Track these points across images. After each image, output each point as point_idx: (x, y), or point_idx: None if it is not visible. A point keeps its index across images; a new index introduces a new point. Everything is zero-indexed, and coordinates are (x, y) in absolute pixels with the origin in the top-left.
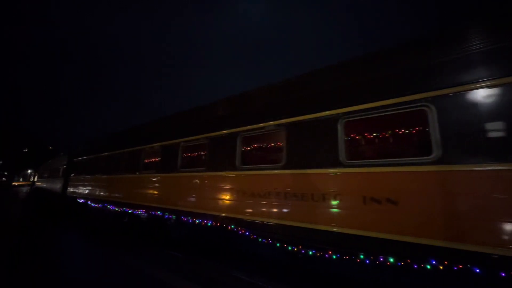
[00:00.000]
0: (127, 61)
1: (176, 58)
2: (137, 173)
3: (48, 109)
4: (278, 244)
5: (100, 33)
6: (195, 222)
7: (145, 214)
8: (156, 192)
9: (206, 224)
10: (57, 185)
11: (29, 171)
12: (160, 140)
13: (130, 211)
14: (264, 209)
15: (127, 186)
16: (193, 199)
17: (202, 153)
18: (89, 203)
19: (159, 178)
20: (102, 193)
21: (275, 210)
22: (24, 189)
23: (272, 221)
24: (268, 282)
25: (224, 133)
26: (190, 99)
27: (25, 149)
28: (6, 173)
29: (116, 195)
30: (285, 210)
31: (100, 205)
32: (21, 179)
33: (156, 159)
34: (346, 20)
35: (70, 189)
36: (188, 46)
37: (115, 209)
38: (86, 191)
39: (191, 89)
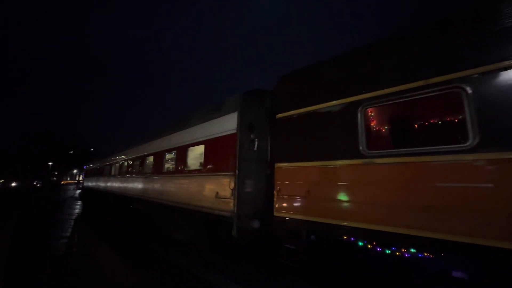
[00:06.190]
0: (155, 66)
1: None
2: None
3: (90, 113)
4: None
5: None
6: None
7: None
8: None
9: None
10: (196, 188)
11: (74, 171)
12: None
13: None
14: None
15: None
16: None
17: None
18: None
19: None
20: None
21: None
22: (71, 187)
23: None
24: None
25: None
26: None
27: (70, 151)
28: (56, 172)
29: None
30: None
31: None
32: (68, 178)
33: None
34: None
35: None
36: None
37: None
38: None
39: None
